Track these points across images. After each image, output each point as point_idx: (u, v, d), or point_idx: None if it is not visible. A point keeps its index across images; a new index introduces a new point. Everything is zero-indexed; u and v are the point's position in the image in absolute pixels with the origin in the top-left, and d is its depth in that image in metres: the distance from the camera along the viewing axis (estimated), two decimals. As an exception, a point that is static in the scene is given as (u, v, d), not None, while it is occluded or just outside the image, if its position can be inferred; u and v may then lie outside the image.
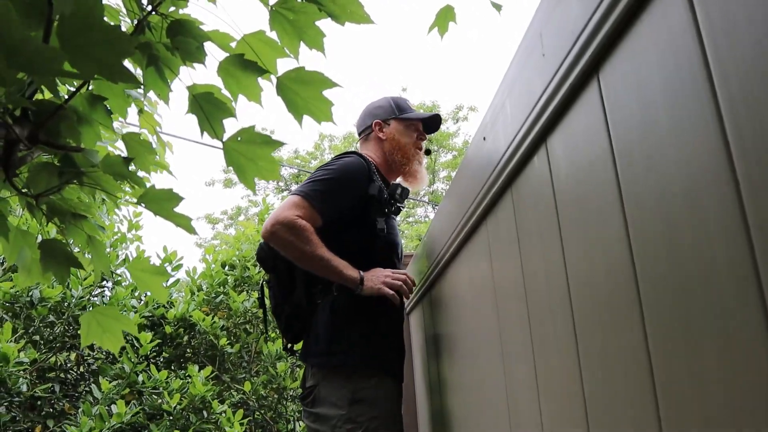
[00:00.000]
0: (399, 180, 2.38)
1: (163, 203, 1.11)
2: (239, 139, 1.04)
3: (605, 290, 0.92)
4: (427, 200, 19.40)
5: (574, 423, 1.02)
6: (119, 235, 4.63)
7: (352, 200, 2.09)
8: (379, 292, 2.01)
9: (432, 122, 2.43)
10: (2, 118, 0.96)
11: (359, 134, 2.45)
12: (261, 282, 2.32)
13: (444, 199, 2.09)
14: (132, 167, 1.11)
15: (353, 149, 2.39)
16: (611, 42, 0.88)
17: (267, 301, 2.36)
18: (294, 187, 2.13)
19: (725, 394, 0.64)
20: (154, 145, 5.04)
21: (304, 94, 1.08)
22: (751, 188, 0.60)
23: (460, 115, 20.17)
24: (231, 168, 1.05)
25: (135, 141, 1.09)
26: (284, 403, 4.80)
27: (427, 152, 2.46)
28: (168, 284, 4.74)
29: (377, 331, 2.07)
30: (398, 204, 2.26)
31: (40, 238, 1.24)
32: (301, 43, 1.16)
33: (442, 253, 2.01)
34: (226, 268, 5.12)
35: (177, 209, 1.11)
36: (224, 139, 1.04)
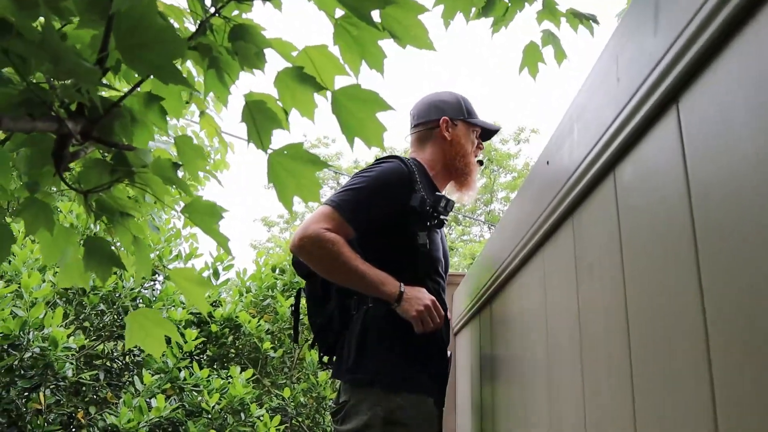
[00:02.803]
0: (448, 188, 2.21)
1: (205, 217, 1.08)
2: (285, 153, 1.00)
3: (668, 342, 0.84)
4: (483, 220, 19.22)
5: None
6: (174, 230, 4.70)
7: (387, 210, 1.92)
8: (409, 319, 1.85)
9: (489, 133, 2.25)
10: (56, 112, 0.95)
11: (416, 125, 2.21)
12: (298, 290, 2.17)
13: (501, 221, 2.02)
14: (180, 173, 1.09)
15: (395, 154, 2.14)
16: (695, 70, 0.81)
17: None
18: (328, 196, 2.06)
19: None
20: (215, 146, 5.07)
21: (359, 114, 1.03)
22: None
23: (522, 137, 19.94)
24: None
25: (187, 145, 1.07)
26: (322, 412, 4.77)
27: (480, 163, 2.25)
28: (217, 283, 4.79)
29: (414, 348, 1.90)
30: (442, 216, 2.04)
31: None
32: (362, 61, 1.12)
33: (495, 275, 1.95)
34: (277, 271, 5.14)
35: (220, 222, 1.08)
36: (270, 152, 1.01)
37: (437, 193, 2.07)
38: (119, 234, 1.25)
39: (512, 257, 1.71)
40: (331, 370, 2.04)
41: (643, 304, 0.93)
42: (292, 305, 4.80)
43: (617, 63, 1.05)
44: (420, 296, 1.87)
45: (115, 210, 1.23)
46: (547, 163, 1.49)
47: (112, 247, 1.16)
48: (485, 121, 2.21)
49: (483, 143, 2.24)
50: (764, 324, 0.63)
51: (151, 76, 1.07)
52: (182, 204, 1.17)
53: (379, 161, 2.01)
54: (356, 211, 1.85)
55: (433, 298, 1.91)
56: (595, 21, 1.31)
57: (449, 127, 2.14)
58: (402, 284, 1.86)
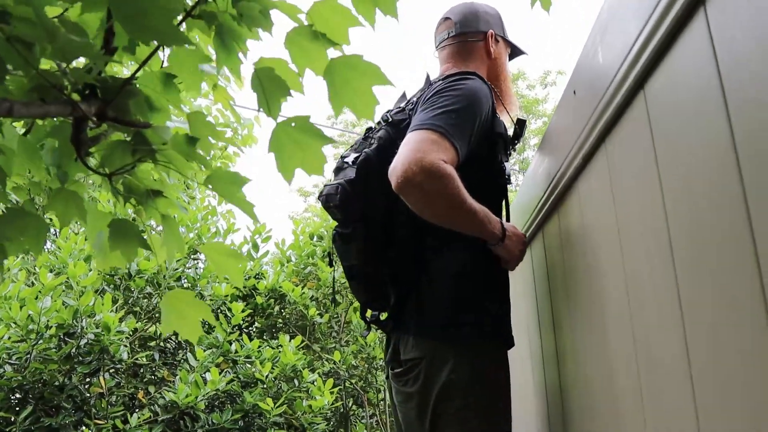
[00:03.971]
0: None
1: (229, 186, 1.07)
2: (293, 124, 0.99)
3: (718, 261, 0.81)
4: (518, 168, 19.00)
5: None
6: (210, 208, 4.75)
7: (480, 136, 1.65)
8: (510, 261, 1.68)
9: (510, 57, 2.04)
10: (68, 96, 0.94)
11: (458, 35, 1.91)
12: (333, 234, 1.81)
13: (532, 162, 1.97)
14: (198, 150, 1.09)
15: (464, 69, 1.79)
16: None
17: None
18: (417, 118, 1.63)
19: None
20: (244, 121, 5.07)
21: (354, 84, 1.00)
22: None
23: (548, 81, 19.55)
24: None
25: (200, 121, 1.06)
26: (374, 372, 4.83)
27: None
28: (258, 256, 4.84)
29: (505, 296, 1.73)
30: (517, 143, 1.87)
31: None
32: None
33: (529, 223, 1.91)
34: (315, 239, 5.17)
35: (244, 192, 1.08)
36: (278, 121, 1.00)
37: (519, 117, 1.89)
38: (149, 214, 1.26)
39: (550, 191, 1.67)
40: (381, 328, 1.79)
41: (685, 214, 0.90)
42: (334, 270, 4.83)
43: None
44: (518, 233, 1.70)
45: (142, 190, 1.24)
46: (574, 93, 1.45)
47: (140, 228, 1.17)
48: (519, 43, 2.01)
49: None
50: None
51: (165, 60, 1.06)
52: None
53: (461, 78, 1.69)
54: (463, 138, 1.57)
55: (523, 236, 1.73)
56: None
57: (494, 43, 1.91)
58: (501, 220, 1.65)
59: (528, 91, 19.44)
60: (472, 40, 1.90)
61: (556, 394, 1.77)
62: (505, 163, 1.78)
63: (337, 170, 1.78)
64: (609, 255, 1.25)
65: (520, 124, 1.88)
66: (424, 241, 1.69)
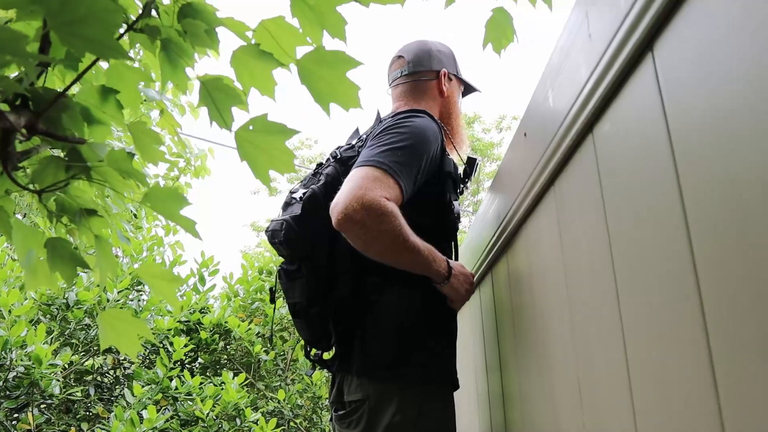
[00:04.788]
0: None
1: (168, 203, 1.02)
2: (251, 128, 0.95)
3: (661, 299, 0.80)
4: (471, 210, 19.19)
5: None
6: (157, 239, 4.63)
7: (427, 175, 1.63)
8: (456, 300, 1.65)
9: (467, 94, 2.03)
10: (-4, 105, 0.89)
11: (411, 73, 1.90)
12: (277, 271, 1.78)
13: (483, 203, 1.97)
14: (143, 166, 1.04)
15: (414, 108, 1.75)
16: (669, 12, 0.77)
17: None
18: (363, 155, 1.58)
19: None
20: (196, 152, 4.99)
21: (329, 77, 0.97)
22: None
23: (503, 125, 19.93)
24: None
25: (142, 131, 1.01)
26: (319, 412, 4.72)
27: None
28: (204, 289, 4.72)
29: (449, 336, 1.69)
30: (468, 182, 1.86)
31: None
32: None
33: (482, 259, 1.89)
34: (264, 274, 5.08)
35: (183, 212, 1.03)
36: (234, 129, 0.96)
37: (470, 156, 1.88)
38: (82, 234, 1.20)
39: (499, 234, 1.66)
40: (325, 368, 1.73)
41: (630, 254, 0.89)
42: (281, 307, 4.74)
43: (588, 18, 1.01)
44: (465, 272, 1.68)
45: (75, 209, 1.17)
46: (525, 135, 1.45)
47: (74, 248, 1.11)
48: (473, 80, 2.00)
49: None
50: (753, 265, 0.59)
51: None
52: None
53: (409, 115, 1.67)
54: (408, 176, 1.54)
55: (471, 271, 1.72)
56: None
57: (446, 81, 1.90)
58: (447, 259, 1.64)
59: (483, 134, 19.76)
60: (424, 78, 1.90)
61: (501, 436, 1.74)
62: (455, 203, 1.76)
63: (285, 206, 1.75)
64: (556, 296, 1.23)
65: (470, 163, 1.88)
66: (368, 279, 1.66)
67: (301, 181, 1.84)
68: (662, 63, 0.80)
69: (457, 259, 1.82)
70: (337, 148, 1.83)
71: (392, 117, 1.69)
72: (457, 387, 1.68)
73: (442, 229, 1.74)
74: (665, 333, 0.78)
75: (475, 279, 1.74)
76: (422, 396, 1.56)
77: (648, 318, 0.83)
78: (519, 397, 1.54)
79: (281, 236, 1.65)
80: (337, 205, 1.46)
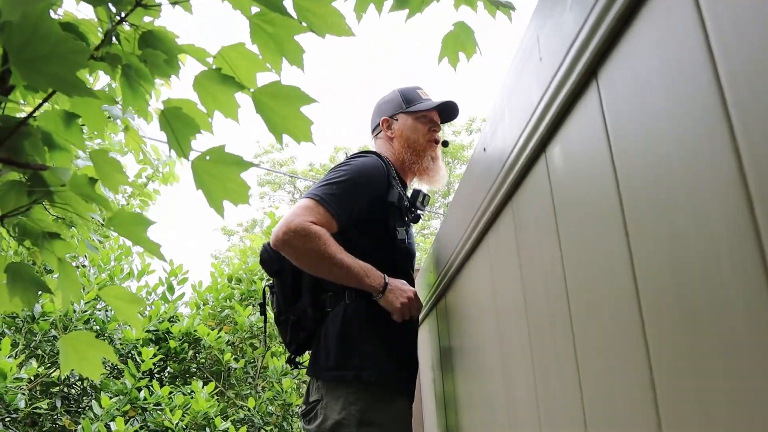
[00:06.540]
0: (415, 180, 2.20)
1: (132, 227, 1.04)
2: (207, 158, 0.97)
3: (606, 305, 0.84)
4: (442, 212, 19.27)
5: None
6: (125, 248, 4.59)
7: (369, 205, 1.92)
8: (393, 312, 1.86)
9: (448, 109, 2.19)
10: (-44, 135, 0.90)
11: (372, 133, 2.26)
12: (264, 287, 2.17)
13: (449, 210, 2.01)
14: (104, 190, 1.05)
15: (371, 149, 2.17)
16: (610, 41, 0.81)
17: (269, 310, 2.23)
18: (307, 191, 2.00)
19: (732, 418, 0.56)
20: (164, 159, 4.94)
21: (282, 111, 1.01)
22: (762, 196, 0.52)
23: (473, 127, 20.07)
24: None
25: (103, 160, 1.03)
26: (289, 420, 4.72)
27: (444, 144, 2.22)
28: (173, 298, 4.69)
29: (393, 345, 1.90)
30: (419, 211, 2.12)
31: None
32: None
33: (448, 266, 1.94)
34: (233, 282, 5.07)
35: (148, 233, 1.05)
36: (192, 159, 0.98)
37: (415, 188, 2.15)
38: (45, 257, 1.20)
39: (462, 244, 1.71)
40: (298, 371, 2.06)
41: (580, 277, 0.92)
42: (251, 314, 4.73)
43: (539, 42, 1.05)
44: (403, 288, 1.89)
45: (37, 232, 1.18)
46: (484, 150, 1.48)
47: (35, 272, 1.11)
48: (427, 102, 2.16)
49: (440, 125, 2.20)
50: (695, 280, 0.63)
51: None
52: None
53: (355, 156, 1.99)
54: (340, 205, 1.83)
55: (414, 289, 1.93)
56: (512, 8, 1.30)
57: (390, 125, 2.17)
58: (386, 275, 1.87)
59: (454, 137, 19.88)
60: (376, 132, 2.23)
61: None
62: (402, 229, 1.99)
63: None
64: (516, 313, 1.27)
65: (414, 194, 2.14)
66: (324, 295, 1.95)
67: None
68: (606, 90, 0.83)
69: (412, 270, 2.08)
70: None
71: (345, 157, 2.02)
72: (405, 392, 1.90)
73: (387, 250, 1.98)
74: (610, 348, 0.82)
75: (414, 293, 1.92)
76: (365, 399, 1.79)
77: (596, 335, 0.87)
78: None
79: (260, 257, 2.04)
80: (274, 229, 1.79)
